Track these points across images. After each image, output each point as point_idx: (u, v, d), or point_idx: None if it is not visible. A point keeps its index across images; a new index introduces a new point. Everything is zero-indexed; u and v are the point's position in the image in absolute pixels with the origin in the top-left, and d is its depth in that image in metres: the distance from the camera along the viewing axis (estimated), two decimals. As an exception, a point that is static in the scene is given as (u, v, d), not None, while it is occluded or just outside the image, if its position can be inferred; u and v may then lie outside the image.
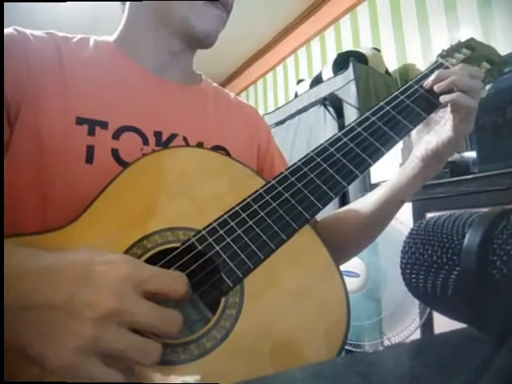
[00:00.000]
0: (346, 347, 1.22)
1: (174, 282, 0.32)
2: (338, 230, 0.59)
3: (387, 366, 0.24)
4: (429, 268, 0.27)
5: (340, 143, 0.47)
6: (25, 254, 0.33)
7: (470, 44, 0.59)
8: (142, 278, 0.31)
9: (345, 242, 0.57)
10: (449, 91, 0.50)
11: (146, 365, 0.29)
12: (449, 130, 0.51)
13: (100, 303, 0.28)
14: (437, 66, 0.56)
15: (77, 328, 0.28)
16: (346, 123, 1.59)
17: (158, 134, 0.51)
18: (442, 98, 0.50)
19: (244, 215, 0.41)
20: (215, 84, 0.66)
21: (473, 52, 0.58)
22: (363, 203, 0.58)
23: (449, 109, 0.51)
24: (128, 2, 0.57)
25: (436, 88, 0.50)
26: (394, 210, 0.57)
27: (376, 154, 0.46)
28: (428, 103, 0.51)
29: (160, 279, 0.32)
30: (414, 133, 0.56)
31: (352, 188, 1.45)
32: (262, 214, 0.41)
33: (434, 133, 0.53)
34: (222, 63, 3.02)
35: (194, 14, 0.52)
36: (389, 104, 0.50)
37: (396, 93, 0.52)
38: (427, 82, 0.52)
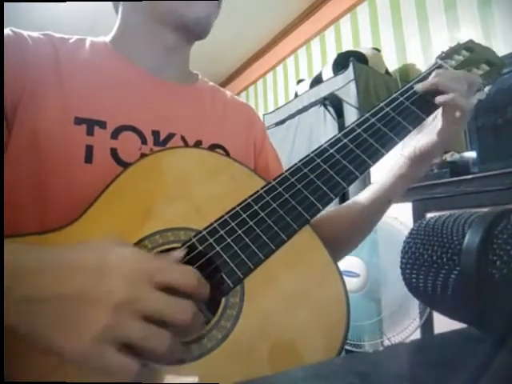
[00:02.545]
0: (346, 347, 1.22)
1: (184, 274, 0.33)
2: (330, 227, 0.59)
3: (387, 366, 0.24)
4: (429, 268, 0.27)
5: (340, 144, 0.47)
6: (39, 249, 0.33)
7: (469, 46, 0.59)
8: (154, 268, 0.31)
9: (336, 239, 0.57)
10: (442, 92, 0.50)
11: (158, 352, 0.30)
12: (438, 128, 0.51)
13: (114, 292, 0.29)
14: (436, 67, 0.56)
15: (91, 316, 0.28)
16: (346, 123, 1.59)
17: (155, 133, 0.51)
18: (438, 99, 0.50)
19: (244, 216, 0.41)
20: (212, 83, 0.66)
21: (472, 54, 0.58)
22: (353, 202, 0.59)
23: (440, 109, 0.52)
24: (121, 3, 0.57)
25: (419, 87, 0.51)
26: (382, 210, 0.58)
27: (376, 155, 0.46)
28: (426, 105, 0.51)
29: (170, 271, 0.32)
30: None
31: (352, 188, 1.45)
32: (263, 214, 0.41)
33: (424, 132, 0.54)
34: (222, 63, 3.03)
35: (183, 3, 0.52)
36: (388, 105, 0.51)
37: (395, 94, 0.52)
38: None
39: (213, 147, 0.55)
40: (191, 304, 0.31)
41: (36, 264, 0.31)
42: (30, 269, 0.30)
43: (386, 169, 0.57)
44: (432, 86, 0.50)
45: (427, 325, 1.11)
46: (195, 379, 0.33)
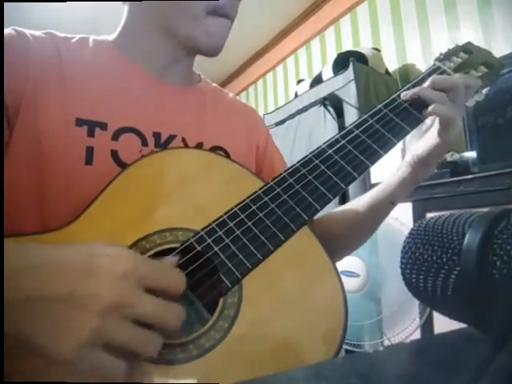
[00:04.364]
0: (346, 347, 1.22)
1: (175, 280, 0.33)
2: (332, 229, 0.59)
3: (387, 366, 0.24)
4: (429, 268, 0.27)
5: (338, 145, 0.47)
6: (27, 247, 0.32)
7: (468, 48, 0.60)
8: (144, 272, 0.31)
9: (338, 240, 0.58)
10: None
11: (146, 355, 0.30)
12: (434, 136, 0.52)
13: (103, 295, 0.29)
14: (434, 69, 0.56)
15: (80, 320, 0.28)
16: (346, 123, 1.59)
17: (156, 135, 0.51)
18: (424, 112, 0.50)
19: (243, 216, 0.41)
20: (214, 84, 0.66)
21: (470, 56, 0.58)
22: (356, 204, 0.59)
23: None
24: (127, 4, 0.56)
25: (402, 96, 0.51)
26: (385, 212, 0.58)
27: (374, 156, 0.47)
28: (425, 106, 0.51)
29: (162, 276, 0.32)
30: (408, 137, 0.57)
31: (352, 188, 1.45)
32: (261, 215, 0.42)
33: (423, 139, 0.54)
34: (222, 63, 3.02)
35: (200, 30, 0.51)
36: (387, 107, 0.51)
37: (394, 96, 0.52)
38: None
39: (214, 149, 0.55)
40: (181, 308, 0.32)
41: (23, 263, 0.30)
42: (17, 267, 0.29)
43: (389, 172, 0.57)
44: (414, 96, 0.51)
45: (427, 325, 1.11)
46: (194, 379, 0.33)
